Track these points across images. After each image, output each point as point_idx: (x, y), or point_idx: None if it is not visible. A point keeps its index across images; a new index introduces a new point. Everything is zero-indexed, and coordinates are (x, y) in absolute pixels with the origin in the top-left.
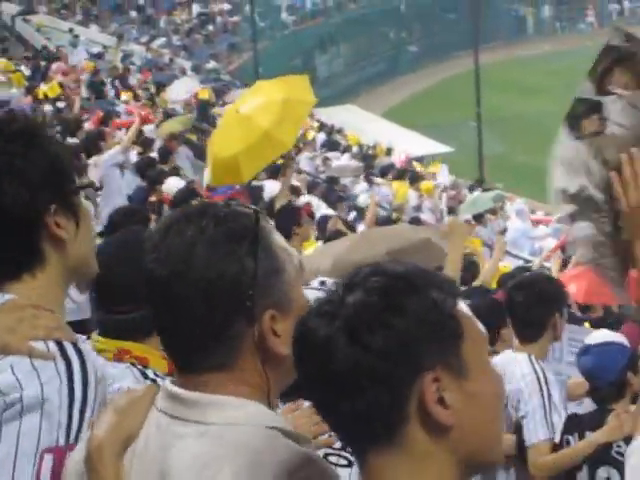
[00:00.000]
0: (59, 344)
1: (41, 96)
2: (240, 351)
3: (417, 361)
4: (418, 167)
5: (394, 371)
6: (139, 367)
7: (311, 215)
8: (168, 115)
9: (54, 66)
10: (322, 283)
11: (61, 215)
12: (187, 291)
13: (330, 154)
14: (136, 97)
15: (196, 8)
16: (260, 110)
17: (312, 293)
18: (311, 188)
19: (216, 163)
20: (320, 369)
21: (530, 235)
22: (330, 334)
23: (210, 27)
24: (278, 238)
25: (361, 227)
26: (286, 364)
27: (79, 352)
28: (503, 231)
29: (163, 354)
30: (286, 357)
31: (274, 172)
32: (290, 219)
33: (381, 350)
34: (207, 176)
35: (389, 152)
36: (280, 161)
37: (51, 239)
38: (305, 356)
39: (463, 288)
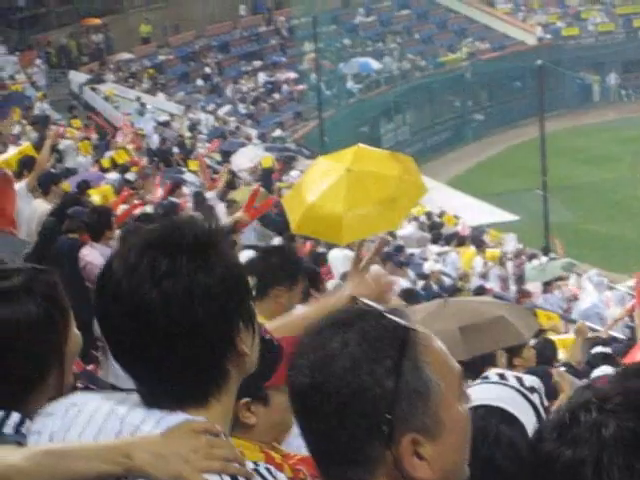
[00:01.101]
0: (233, 478)
1: (107, 164)
2: (378, 472)
3: None
4: (484, 235)
5: None
6: None
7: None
8: (230, 184)
9: (120, 134)
10: (501, 376)
11: (243, 329)
12: (322, 405)
13: None
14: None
15: (262, 76)
16: (374, 179)
17: (491, 388)
18: (385, 260)
19: (311, 213)
20: None
21: (600, 312)
22: (577, 461)
23: (276, 95)
24: (435, 354)
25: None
26: None
27: None
28: (572, 299)
29: (261, 446)
30: None
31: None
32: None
33: None
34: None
35: (455, 220)
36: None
37: (236, 357)
38: (543, 476)
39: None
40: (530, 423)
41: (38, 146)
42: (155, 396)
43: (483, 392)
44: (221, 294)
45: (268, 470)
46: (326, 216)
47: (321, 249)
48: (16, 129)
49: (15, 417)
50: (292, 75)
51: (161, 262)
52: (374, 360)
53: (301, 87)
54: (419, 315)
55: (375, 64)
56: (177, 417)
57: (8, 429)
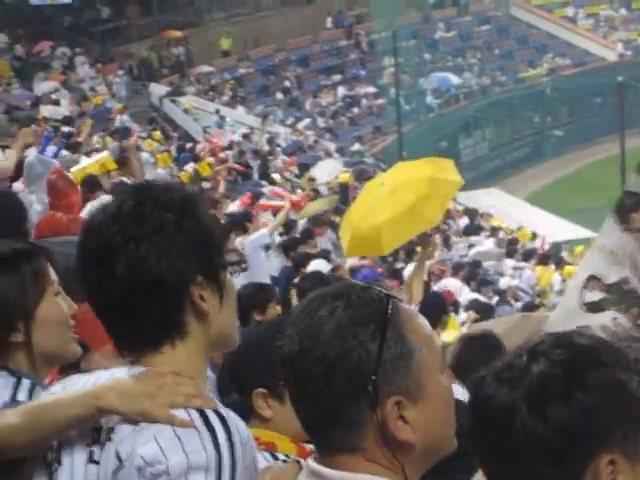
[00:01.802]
0: (201, 412)
1: (187, 179)
2: (365, 435)
3: (595, 442)
4: (563, 252)
5: (570, 449)
6: (268, 452)
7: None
8: (313, 197)
9: (199, 146)
10: None
11: (206, 288)
12: (310, 369)
13: (473, 238)
14: (282, 179)
15: (341, 90)
16: (406, 185)
17: None
18: (456, 271)
19: (355, 233)
20: (496, 436)
21: None
22: (511, 402)
23: (355, 110)
24: (417, 324)
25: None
26: (418, 450)
27: (222, 418)
28: None
29: (291, 437)
30: (415, 444)
31: (409, 253)
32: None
33: (560, 425)
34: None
35: (533, 236)
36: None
37: (194, 312)
38: (481, 421)
39: None
40: None
41: (117, 157)
42: (121, 345)
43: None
44: (180, 246)
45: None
46: (367, 232)
47: (400, 264)
48: (94, 140)
49: (26, 383)
50: (371, 89)
51: (131, 208)
52: (359, 324)
53: (380, 101)
54: (498, 328)
55: (455, 79)
56: (142, 368)
57: (22, 396)
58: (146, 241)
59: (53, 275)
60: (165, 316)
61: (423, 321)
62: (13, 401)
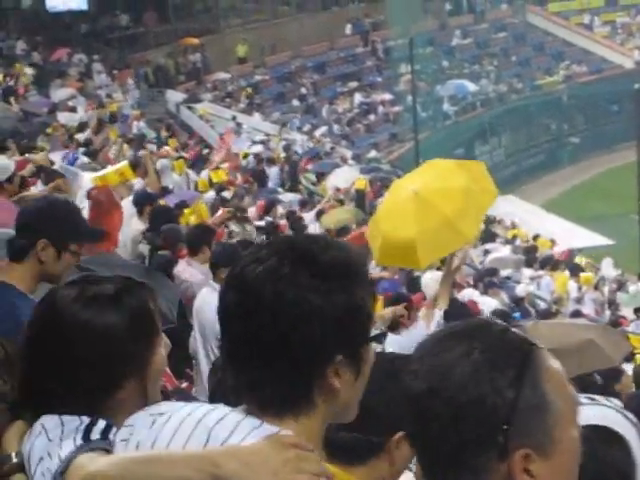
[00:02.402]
0: None
1: (201, 186)
2: None
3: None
4: (580, 259)
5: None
6: None
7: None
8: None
9: (216, 153)
10: (592, 399)
11: (344, 366)
12: (438, 409)
13: (490, 245)
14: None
15: (358, 97)
16: (440, 195)
17: (589, 409)
18: (477, 281)
19: (386, 242)
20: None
21: None
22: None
23: (371, 117)
24: (555, 374)
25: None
26: None
27: None
28: None
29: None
30: None
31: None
32: (461, 316)
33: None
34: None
35: (550, 244)
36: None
37: (326, 388)
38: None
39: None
40: (634, 440)
41: (134, 164)
42: (246, 402)
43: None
44: (328, 321)
45: None
46: (401, 243)
47: (416, 273)
48: (113, 148)
49: (101, 424)
50: (388, 96)
51: (299, 272)
52: (496, 369)
53: (397, 108)
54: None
55: (471, 86)
56: (267, 429)
57: (95, 435)
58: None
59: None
60: (296, 388)
61: (560, 369)
62: (87, 441)
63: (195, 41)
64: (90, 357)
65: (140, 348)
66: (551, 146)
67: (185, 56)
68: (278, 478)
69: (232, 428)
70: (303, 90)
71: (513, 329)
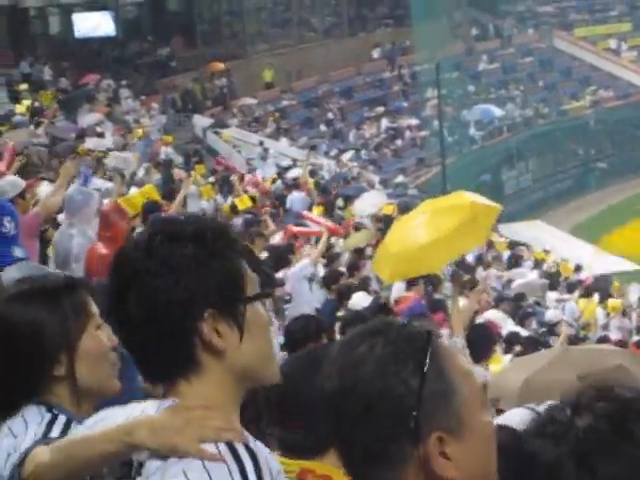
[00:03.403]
0: (230, 445)
1: (227, 212)
2: (408, 473)
3: None
4: (607, 285)
5: None
6: None
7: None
8: (356, 229)
9: (245, 178)
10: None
11: (222, 322)
12: (351, 406)
13: (517, 270)
14: (326, 210)
15: (385, 122)
16: (448, 210)
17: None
18: (498, 303)
19: (398, 259)
20: None
21: None
22: (557, 458)
23: (398, 141)
24: (457, 361)
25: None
26: None
27: (251, 452)
28: None
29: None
30: None
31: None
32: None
33: (609, 478)
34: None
35: (577, 269)
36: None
37: (207, 347)
38: (526, 477)
39: None
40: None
41: (162, 189)
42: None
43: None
44: (187, 281)
45: None
46: (412, 255)
47: (438, 295)
48: (141, 172)
49: (62, 419)
50: (414, 121)
51: (143, 242)
52: (399, 361)
53: (423, 133)
54: (540, 363)
55: (497, 111)
56: (166, 402)
57: (55, 430)
58: (152, 275)
59: (94, 308)
60: (175, 350)
61: (462, 358)
62: (45, 437)
63: (222, 66)
64: (23, 346)
65: (67, 335)
66: (578, 171)
67: (212, 81)
68: (184, 436)
69: (143, 410)
70: (330, 115)
71: (415, 322)
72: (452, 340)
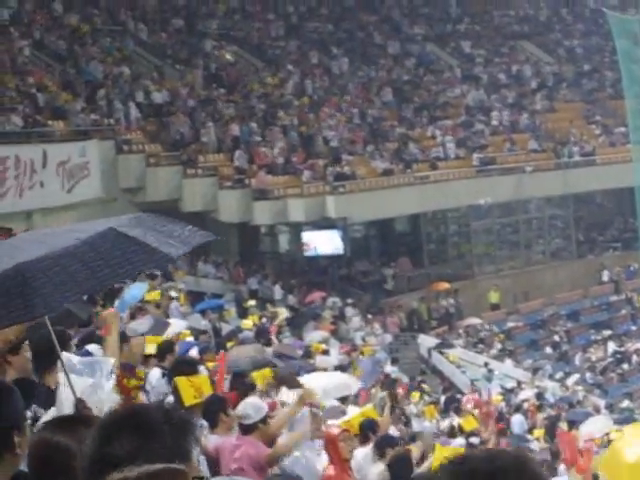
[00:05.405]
0: None
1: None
2: None
3: None
4: None
5: None
6: None
7: None
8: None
9: (465, 398)
10: None
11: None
12: None
13: None
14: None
15: (612, 346)
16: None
17: None
18: None
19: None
20: None
21: None
22: None
23: (625, 366)
24: None
25: None
26: None
27: None
28: None
29: None
30: None
31: None
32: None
33: None
34: None
35: None
36: None
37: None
38: None
39: None
40: None
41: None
42: None
43: None
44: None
45: None
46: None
47: None
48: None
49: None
50: None
51: None
52: None
53: None
54: None
55: None
56: None
57: None
58: None
59: None
60: None
61: None
62: None
63: (447, 286)
64: None
65: None
66: None
67: (438, 301)
68: None
69: None
70: (556, 337)
71: None
72: None
